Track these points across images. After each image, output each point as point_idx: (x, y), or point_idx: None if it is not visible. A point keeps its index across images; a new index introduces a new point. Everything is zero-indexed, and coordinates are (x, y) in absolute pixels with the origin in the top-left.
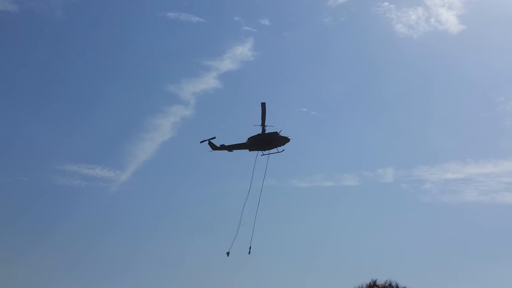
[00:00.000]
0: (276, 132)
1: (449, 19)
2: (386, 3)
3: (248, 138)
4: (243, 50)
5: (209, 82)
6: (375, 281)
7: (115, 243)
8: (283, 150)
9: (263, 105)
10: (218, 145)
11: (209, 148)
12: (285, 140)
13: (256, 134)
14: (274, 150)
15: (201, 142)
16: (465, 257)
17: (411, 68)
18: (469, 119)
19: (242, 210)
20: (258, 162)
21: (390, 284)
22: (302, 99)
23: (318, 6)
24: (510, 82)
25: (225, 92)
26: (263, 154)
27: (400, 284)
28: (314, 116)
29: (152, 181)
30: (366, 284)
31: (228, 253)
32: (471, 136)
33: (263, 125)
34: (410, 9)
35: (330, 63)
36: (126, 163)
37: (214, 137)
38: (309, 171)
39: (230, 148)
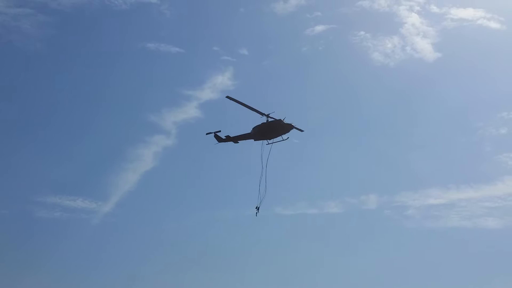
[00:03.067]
0: (280, 119)
1: (425, 47)
2: (362, 32)
3: (253, 128)
4: (223, 80)
5: (190, 111)
6: None
7: (99, 275)
8: (288, 138)
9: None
10: (224, 137)
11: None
12: (289, 127)
13: (260, 123)
14: (279, 138)
15: (207, 134)
16: (449, 281)
17: (389, 95)
18: (449, 145)
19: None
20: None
21: None
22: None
23: (296, 35)
24: (487, 107)
25: (206, 121)
26: (268, 143)
27: None
28: (296, 143)
29: (135, 212)
30: None
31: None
32: (452, 162)
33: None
34: (386, 37)
35: (310, 91)
36: (109, 194)
37: (219, 131)
38: (292, 198)
39: (236, 139)
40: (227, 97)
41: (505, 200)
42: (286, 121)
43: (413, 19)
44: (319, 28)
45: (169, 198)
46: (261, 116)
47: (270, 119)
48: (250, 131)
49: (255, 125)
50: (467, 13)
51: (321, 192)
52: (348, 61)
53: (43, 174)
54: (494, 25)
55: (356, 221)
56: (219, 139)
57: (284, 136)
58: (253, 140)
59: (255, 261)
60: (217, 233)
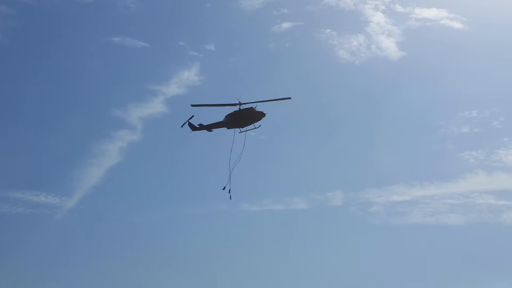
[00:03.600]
0: (252, 107)
1: (389, 46)
2: (328, 30)
3: (225, 116)
4: (189, 75)
5: (156, 106)
6: None
7: (63, 272)
8: (260, 126)
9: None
10: (197, 125)
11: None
12: (261, 115)
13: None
14: (251, 126)
15: (182, 126)
16: (413, 277)
17: (355, 93)
18: (412, 143)
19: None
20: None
21: None
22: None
23: (263, 31)
24: (449, 106)
25: (172, 116)
26: (241, 131)
27: None
28: (263, 140)
29: (100, 208)
30: None
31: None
32: (415, 159)
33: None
34: (351, 36)
35: (275, 87)
36: (73, 189)
37: (193, 116)
38: (259, 195)
39: (209, 127)
40: (192, 105)
41: (466, 197)
42: (257, 109)
43: (378, 18)
44: (286, 25)
45: (134, 194)
46: (235, 106)
47: (242, 107)
48: (222, 119)
49: (227, 113)
50: (431, 13)
51: (287, 188)
52: (314, 58)
53: (6, 168)
54: (457, 25)
55: (322, 217)
56: (193, 128)
57: (256, 124)
58: (226, 128)
59: (222, 257)
60: (183, 230)
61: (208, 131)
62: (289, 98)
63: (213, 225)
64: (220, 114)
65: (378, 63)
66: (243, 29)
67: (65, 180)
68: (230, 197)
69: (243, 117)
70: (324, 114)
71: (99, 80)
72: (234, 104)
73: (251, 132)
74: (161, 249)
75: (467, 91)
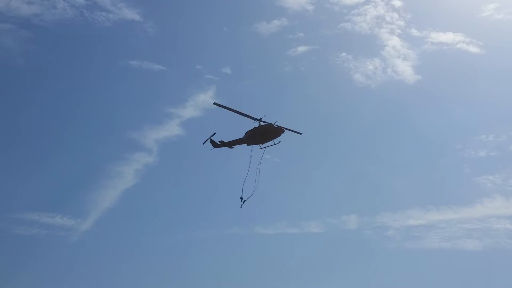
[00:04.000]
0: (271, 123)
1: (405, 70)
2: (344, 54)
3: (245, 133)
4: (205, 98)
5: (172, 129)
6: None
7: None
8: (279, 142)
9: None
10: (218, 142)
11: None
12: (280, 131)
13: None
14: (271, 142)
15: (203, 143)
16: None
17: (371, 116)
18: (428, 166)
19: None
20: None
21: None
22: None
23: (279, 55)
24: (466, 130)
25: (188, 139)
26: (261, 148)
27: None
28: (277, 163)
29: (115, 230)
30: None
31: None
32: (431, 183)
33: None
34: (367, 59)
35: (290, 111)
36: (88, 211)
37: (214, 133)
38: (273, 217)
39: (230, 144)
40: (215, 103)
41: (484, 222)
42: (277, 125)
43: (394, 42)
44: (302, 48)
45: (149, 216)
46: (254, 121)
47: (262, 123)
48: (242, 136)
49: (247, 130)
50: (447, 37)
51: (301, 211)
52: (330, 82)
53: (21, 190)
54: (473, 49)
55: (337, 241)
56: (215, 145)
57: (276, 140)
58: (246, 144)
59: (236, 281)
60: (198, 253)
61: (229, 147)
62: (301, 133)
63: (226, 248)
64: (241, 131)
65: (394, 87)
66: (259, 52)
67: (80, 202)
68: (241, 206)
69: (263, 134)
70: (340, 137)
71: (115, 103)
72: (254, 118)
73: (266, 155)
74: (175, 272)
75: (484, 115)
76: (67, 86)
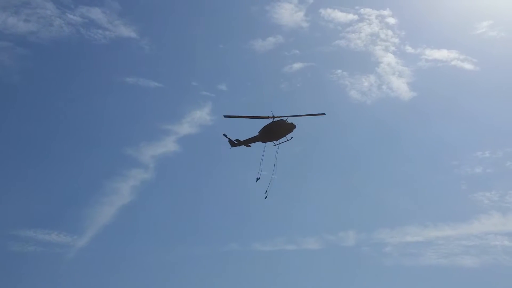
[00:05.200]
0: (282, 119)
1: (400, 86)
2: (339, 70)
3: (259, 130)
4: (202, 115)
5: (168, 145)
6: None
7: None
8: (292, 138)
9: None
10: (234, 140)
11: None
12: (291, 126)
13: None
14: (284, 139)
15: (223, 134)
16: None
17: (366, 132)
18: (425, 183)
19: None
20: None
21: None
22: (263, 162)
23: (275, 72)
24: (461, 147)
25: (184, 155)
26: (275, 145)
27: None
28: (275, 179)
29: (112, 246)
30: None
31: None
32: (428, 199)
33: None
34: (362, 76)
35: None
36: (84, 227)
37: (224, 134)
38: (271, 234)
39: (246, 142)
40: (225, 116)
41: (481, 238)
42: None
43: (388, 59)
44: (297, 65)
45: (146, 232)
46: (268, 119)
47: (275, 120)
48: (257, 134)
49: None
50: (441, 54)
51: (299, 228)
52: (326, 98)
53: (17, 207)
54: (467, 66)
55: (335, 258)
56: (232, 144)
57: (288, 136)
58: (261, 142)
59: None
60: (195, 269)
61: (246, 146)
62: (324, 114)
63: (224, 265)
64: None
65: (389, 103)
66: (254, 69)
67: (76, 218)
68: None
69: (275, 130)
70: (337, 153)
71: (112, 120)
72: (267, 117)
73: (264, 171)
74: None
75: (479, 132)
76: (63, 103)
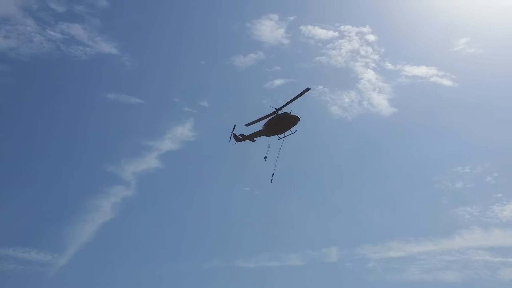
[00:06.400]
0: (286, 112)
1: (381, 102)
2: (320, 86)
3: (263, 125)
4: (183, 131)
5: (150, 162)
6: None
7: None
8: (296, 130)
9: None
10: (239, 135)
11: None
12: (295, 119)
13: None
14: (289, 132)
15: (229, 140)
16: None
17: (348, 148)
18: (406, 198)
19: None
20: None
21: None
22: (245, 178)
23: (256, 88)
24: (442, 162)
25: (166, 171)
26: (280, 138)
27: None
28: (257, 195)
29: (93, 264)
30: None
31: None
32: (410, 215)
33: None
34: (343, 92)
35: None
36: (65, 245)
37: (235, 125)
38: (254, 250)
39: (251, 137)
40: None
41: (463, 253)
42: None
43: (369, 75)
44: (278, 81)
45: (128, 250)
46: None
47: (279, 113)
48: (261, 129)
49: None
50: (421, 70)
51: (282, 244)
52: (308, 114)
53: None
54: (446, 82)
55: (318, 274)
56: (237, 139)
57: (293, 129)
58: (265, 136)
59: None
60: (177, 286)
61: (251, 141)
62: (309, 88)
63: (207, 281)
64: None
65: (370, 119)
66: (236, 85)
67: (57, 236)
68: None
69: (280, 123)
70: (318, 170)
71: (93, 136)
72: (272, 113)
73: (245, 187)
74: None
75: (459, 147)
76: (43, 119)
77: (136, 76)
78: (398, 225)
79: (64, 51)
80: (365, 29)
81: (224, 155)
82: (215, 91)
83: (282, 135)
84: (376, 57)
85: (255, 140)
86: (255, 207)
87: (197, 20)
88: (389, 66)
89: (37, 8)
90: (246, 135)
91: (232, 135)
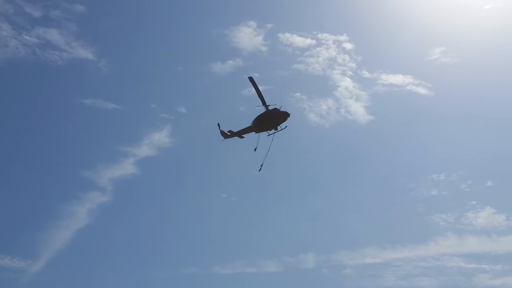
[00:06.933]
0: (276, 108)
1: (358, 110)
2: (298, 94)
3: (252, 121)
4: (161, 137)
5: (126, 168)
6: None
7: None
8: (286, 126)
9: (251, 79)
10: (227, 132)
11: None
12: (285, 115)
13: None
14: (278, 128)
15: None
16: None
17: (325, 155)
18: (383, 205)
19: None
20: None
21: None
22: (222, 185)
23: (234, 94)
24: (417, 169)
25: (143, 177)
26: (269, 135)
27: None
28: (234, 201)
29: (67, 271)
30: None
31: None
32: (386, 221)
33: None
34: (321, 99)
35: (246, 149)
36: (39, 252)
37: (218, 123)
38: (230, 257)
39: (239, 133)
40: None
41: (438, 260)
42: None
43: (346, 83)
44: None
45: (103, 257)
46: (264, 106)
47: (269, 109)
48: (250, 125)
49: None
50: (397, 79)
51: (259, 250)
52: (285, 121)
53: None
54: (422, 91)
55: (294, 280)
56: (225, 136)
57: (282, 125)
58: (254, 132)
59: None
60: None
61: (239, 137)
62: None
63: None
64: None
65: (347, 127)
66: (214, 92)
67: (31, 242)
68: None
69: (269, 119)
70: (296, 176)
71: (68, 142)
72: (265, 106)
73: (222, 194)
74: None
75: (434, 155)
76: (18, 124)
77: (113, 81)
78: (374, 231)
79: (40, 56)
80: (342, 38)
81: (201, 161)
82: (193, 98)
83: (272, 132)
84: (353, 65)
85: (243, 137)
86: (232, 213)
87: (175, 26)
88: (366, 74)
89: (13, 13)
90: (235, 131)
91: (220, 132)
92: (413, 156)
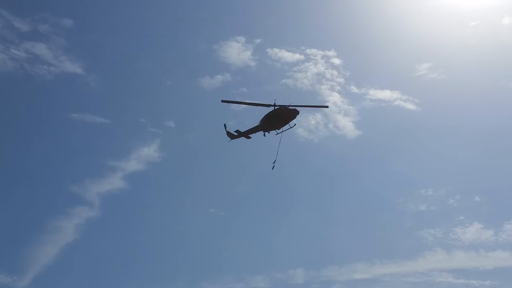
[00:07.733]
0: (285, 106)
1: (346, 125)
2: None
3: (260, 120)
4: (149, 151)
5: (115, 182)
6: None
7: None
8: (295, 124)
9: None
10: (234, 132)
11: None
12: (295, 112)
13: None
14: (287, 126)
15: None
16: None
17: (314, 170)
18: (371, 220)
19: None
20: None
21: None
22: (210, 200)
23: (223, 109)
24: (406, 185)
25: (131, 192)
26: (278, 133)
27: None
28: (223, 216)
29: (54, 287)
30: None
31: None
32: (375, 237)
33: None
34: (309, 114)
35: (235, 164)
36: (25, 268)
37: (225, 124)
38: (219, 273)
39: (246, 133)
40: (222, 101)
41: (426, 275)
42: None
43: (334, 98)
44: None
45: (91, 272)
46: (268, 107)
47: (276, 107)
48: (257, 124)
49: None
50: (385, 94)
51: (248, 266)
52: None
53: None
54: (410, 106)
55: None
56: (232, 136)
57: (291, 123)
58: (262, 132)
59: None
60: None
61: (246, 138)
62: (327, 106)
63: None
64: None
65: (336, 142)
66: (203, 106)
67: (17, 258)
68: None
69: (278, 117)
70: (285, 191)
71: (56, 156)
72: (268, 105)
73: (211, 209)
74: None
75: (423, 170)
76: (6, 138)
77: (102, 96)
78: (363, 247)
79: (28, 70)
80: (331, 53)
81: (190, 176)
82: (181, 112)
83: (280, 130)
84: (341, 80)
85: (250, 137)
86: (221, 228)
87: (164, 40)
88: (354, 89)
89: (1, 27)
90: (242, 131)
91: (226, 132)
92: (401, 171)
